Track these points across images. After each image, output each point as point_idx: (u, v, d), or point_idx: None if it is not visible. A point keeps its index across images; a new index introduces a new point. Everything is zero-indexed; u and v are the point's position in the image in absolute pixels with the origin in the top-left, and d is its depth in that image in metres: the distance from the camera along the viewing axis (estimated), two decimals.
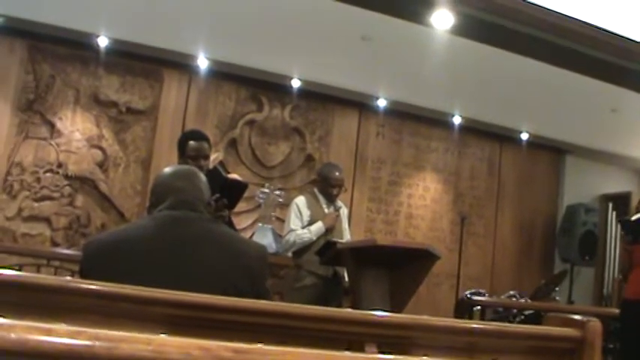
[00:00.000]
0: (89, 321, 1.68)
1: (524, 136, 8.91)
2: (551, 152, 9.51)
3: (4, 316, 1.02)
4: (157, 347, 0.76)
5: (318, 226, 5.46)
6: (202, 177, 2.49)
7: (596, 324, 2.03)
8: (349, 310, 3.63)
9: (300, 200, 5.63)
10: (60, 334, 0.73)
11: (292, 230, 5.47)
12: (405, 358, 0.98)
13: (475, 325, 2.51)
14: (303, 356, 0.83)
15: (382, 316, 2.17)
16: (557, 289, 8.22)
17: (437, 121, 8.58)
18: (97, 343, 0.74)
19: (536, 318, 6.97)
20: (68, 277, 4.67)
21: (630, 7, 5.49)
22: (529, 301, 7.63)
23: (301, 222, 5.47)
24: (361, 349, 1.82)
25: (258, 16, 6.09)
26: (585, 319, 2.04)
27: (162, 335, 0.84)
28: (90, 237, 5.93)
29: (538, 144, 9.20)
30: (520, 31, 5.23)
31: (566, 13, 5.17)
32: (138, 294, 1.78)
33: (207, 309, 1.81)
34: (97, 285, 1.80)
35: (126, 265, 2.16)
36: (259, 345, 0.84)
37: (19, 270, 5.53)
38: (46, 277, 2.01)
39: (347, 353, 0.90)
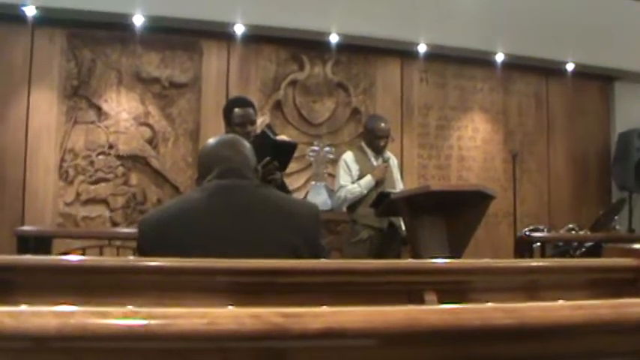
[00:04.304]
0: (152, 297, 1.73)
1: (570, 67, 8.70)
2: (599, 80, 9.28)
3: (69, 301, 1.05)
4: (211, 319, 0.78)
5: (368, 180, 5.45)
6: (246, 144, 2.51)
7: None
8: (404, 260, 3.65)
9: (348, 155, 5.63)
10: (116, 316, 0.76)
11: (342, 186, 5.49)
12: (464, 305, 0.98)
13: (533, 263, 2.50)
14: (354, 315, 0.84)
15: (439, 263, 2.18)
16: (616, 218, 8.10)
17: (479, 60, 8.43)
18: (152, 322, 0.76)
19: (597, 249, 6.88)
20: (130, 257, 4.78)
21: None
22: (588, 233, 7.53)
23: (351, 177, 5.48)
24: (420, 298, 1.84)
25: None
26: None
27: (229, 306, 0.86)
28: (144, 214, 6.03)
29: (585, 73, 8.97)
30: None
31: None
32: (198, 266, 1.81)
33: (267, 273, 1.84)
34: (156, 261, 1.84)
35: (183, 238, 2.19)
36: (311, 308, 0.85)
37: (83, 253, 5.68)
38: (105, 259, 2.06)
39: (398, 307, 0.90)
